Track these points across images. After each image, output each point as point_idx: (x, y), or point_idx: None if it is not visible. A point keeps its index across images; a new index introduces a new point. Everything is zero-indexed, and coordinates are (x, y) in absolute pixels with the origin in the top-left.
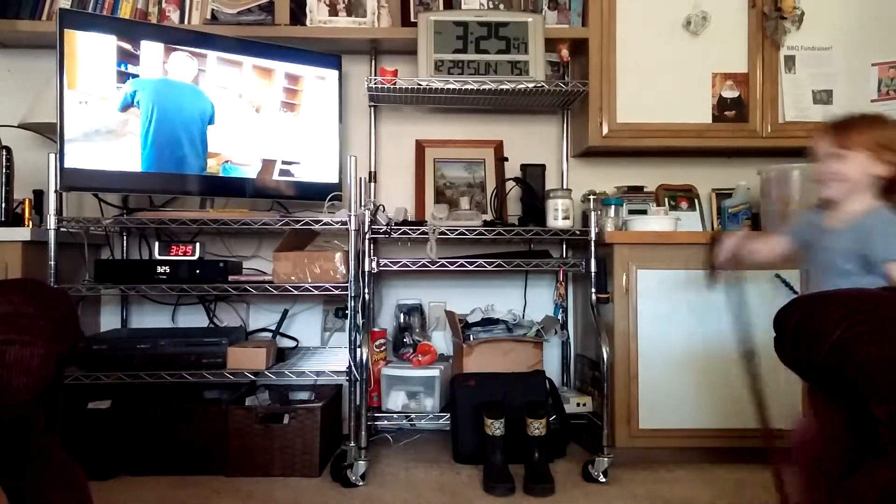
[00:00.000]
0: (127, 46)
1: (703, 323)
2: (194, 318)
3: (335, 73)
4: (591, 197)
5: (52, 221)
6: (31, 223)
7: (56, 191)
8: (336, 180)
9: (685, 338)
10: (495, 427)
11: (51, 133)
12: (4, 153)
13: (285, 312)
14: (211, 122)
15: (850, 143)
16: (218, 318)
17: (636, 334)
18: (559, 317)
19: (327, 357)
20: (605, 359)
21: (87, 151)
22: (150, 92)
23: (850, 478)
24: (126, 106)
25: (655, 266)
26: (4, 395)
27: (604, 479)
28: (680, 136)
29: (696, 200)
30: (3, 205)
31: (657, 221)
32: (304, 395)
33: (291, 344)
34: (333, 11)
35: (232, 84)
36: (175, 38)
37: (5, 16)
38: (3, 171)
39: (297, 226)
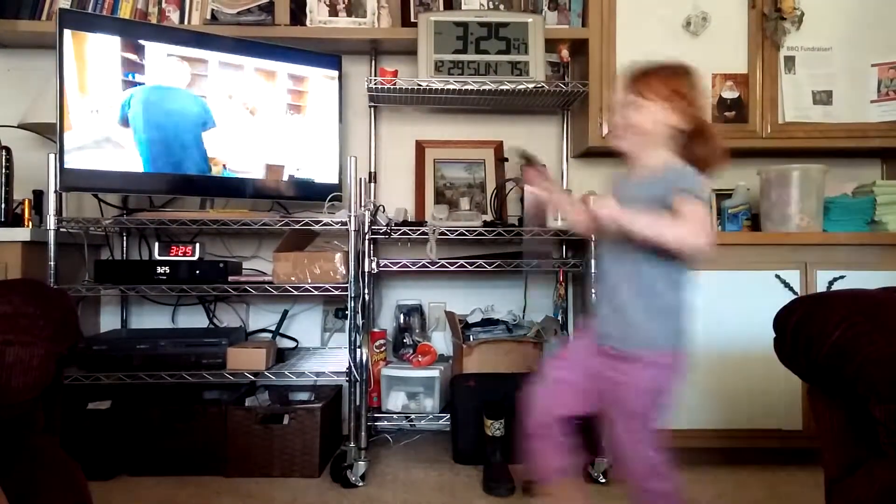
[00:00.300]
0: (127, 47)
1: (703, 324)
2: (194, 318)
3: (335, 73)
4: (591, 197)
5: (51, 222)
6: (30, 223)
7: (56, 191)
8: (336, 181)
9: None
10: (495, 427)
11: (50, 133)
12: (4, 153)
13: (285, 313)
14: (206, 126)
15: (645, 91)
16: (218, 319)
17: None
18: (559, 317)
19: (327, 358)
20: None
21: (86, 152)
22: (142, 101)
23: (850, 478)
24: (124, 118)
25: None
26: (4, 395)
27: (603, 480)
28: None
29: None
30: (3, 205)
31: None
32: (303, 396)
33: (291, 344)
34: (333, 12)
35: (232, 86)
36: (174, 38)
37: (5, 16)
38: (3, 171)
39: (297, 226)
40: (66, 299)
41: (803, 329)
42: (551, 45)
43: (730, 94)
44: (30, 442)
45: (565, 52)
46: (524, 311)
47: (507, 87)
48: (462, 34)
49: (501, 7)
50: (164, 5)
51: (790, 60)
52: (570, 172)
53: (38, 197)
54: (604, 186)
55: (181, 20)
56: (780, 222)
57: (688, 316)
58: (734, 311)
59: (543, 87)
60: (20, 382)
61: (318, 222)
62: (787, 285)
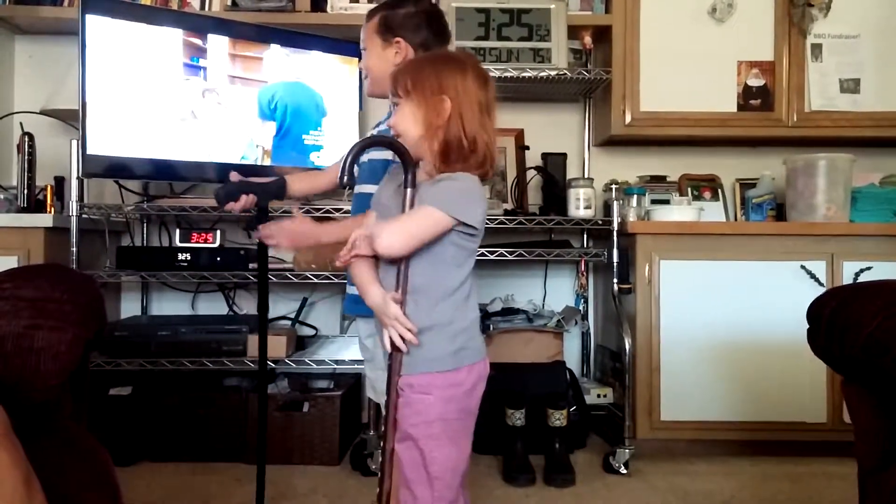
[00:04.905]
0: (150, 33)
1: (726, 315)
2: (213, 305)
3: (355, 60)
4: (614, 186)
5: (74, 208)
6: (52, 209)
7: (78, 177)
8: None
9: (708, 329)
10: (516, 417)
11: (73, 119)
12: (27, 140)
13: (305, 301)
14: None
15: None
16: (237, 306)
17: (658, 325)
18: (580, 307)
19: (347, 345)
20: (628, 350)
21: (109, 137)
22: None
23: (884, 472)
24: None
25: (679, 256)
26: (33, 380)
27: (625, 471)
28: (704, 125)
29: (719, 190)
30: (26, 191)
31: (680, 211)
32: (323, 384)
33: (311, 332)
34: None
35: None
36: (194, 24)
37: (26, 2)
38: (26, 157)
39: (318, 214)
40: (92, 284)
41: (838, 320)
42: (574, 31)
43: (755, 82)
44: (58, 427)
45: (588, 39)
46: (544, 301)
47: (530, 75)
48: (484, 20)
49: None
50: None
51: (817, 48)
52: (592, 161)
53: (60, 183)
54: (627, 174)
55: (201, 6)
56: (807, 212)
57: None
58: (758, 302)
59: (566, 74)
60: (49, 367)
61: (338, 210)
62: (813, 276)
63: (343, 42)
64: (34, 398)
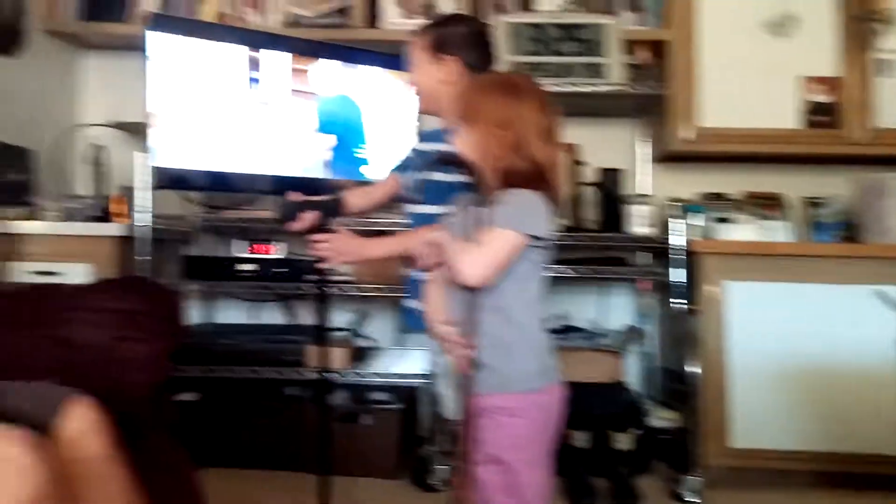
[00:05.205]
0: (210, 48)
1: (798, 339)
2: (271, 314)
3: (408, 75)
4: (675, 203)
5: (144, 219)
6: (123, 219)
7: (150, 188)
8: None
9: (779, 354)
10: (580, 439)
11: (137, 132)
12: (99, 152)
13: (363, 312)
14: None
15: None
16: (294, 315)
17: (727, 348)
18: (640, 327)
19: (403, 358)
20: (695, 373)
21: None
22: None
23: None
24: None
25: (746, 277)
26: (120, 391)
27: (696, 500)
28: (767, 141)
29: (784, 209)
30: (97, 201)
31: (745, 230)
32: (379, 396)
33: (367, 344)
34: (408, 14)
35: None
36: (256, 40)
37: (96, 19)
38: (98, 168)
39: (375, 228)
40: (175, 297)
41: None
42: (630, 46)
43: (821, 98)
44: (146, 438)
45: (645, 54)
46: (602, 319)
47: (586, 90)
48: (538, 36)
49: (578, 8)
50: (242, 9)
51: (884, 64)
52: (648, 177)
53: (126, 193)
54: (683, 191)
55: (261, 22)
56: (880, 234)
57: None
58: (831, 327)
59: (622, 89)
60: (135, 378)
61: (395, 225)
62: (887, 300)
63: (396, 57)
64: (122, 409)
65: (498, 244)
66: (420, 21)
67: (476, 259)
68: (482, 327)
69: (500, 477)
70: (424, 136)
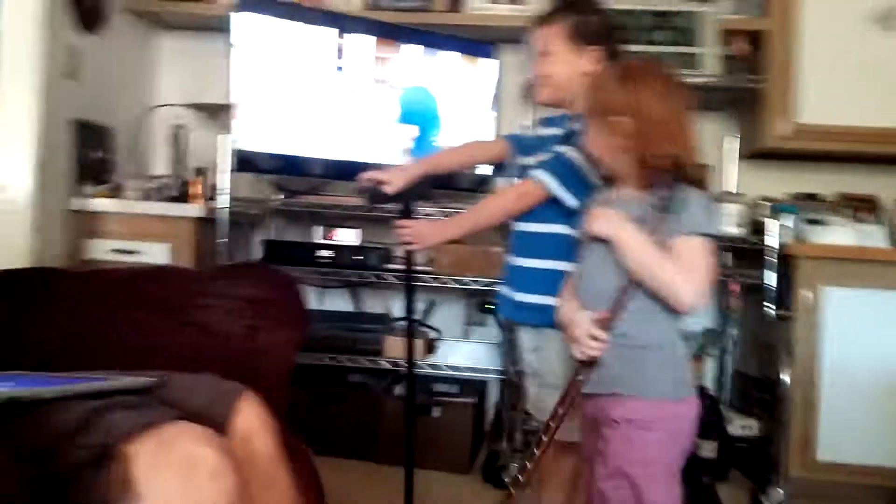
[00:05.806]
0: (292, 29)
1: (861, 350)
2: (337, 301)
3: (492, 62)
4: (767, 203)
5: (224, 200)
6: (197, 200)
7: (231, 171)
8: (489, 172)
9: (876, 366)
10: (706, 448)
11: (216, 113)
12: (178, 132)
13: (432, 303)
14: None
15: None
16: (363, 303)
17: (820, 357)
18: (722, 329)
19: (470, 351)
20: (784, 381)
21: (253, 132)
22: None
23: None
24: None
25: (844, 283)
26: (255, 381)
27: None
28: (869, 140)
29: (879, 212)
30: (175, 182)
31: (841, 234)
32: (446, 388)
33: (433, 335)
34: None
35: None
36: (340, 22)
37: None
38: (178, 148)
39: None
40: (298, 285)
41: None
42: (726, 36)
43: None
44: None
45: (742, 45)
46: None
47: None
48: (629, 24)
49: None
50: None
51: None
52: (740, 175)
53: (204, 174)
54: (773, 190)
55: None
56: None
57: None
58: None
59: (717, 81)
60: (270, 367)
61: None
62: None
63: (477, 42)
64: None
65: (698, 258)
66: (507, 6)
67: (696, 284)
68: (627, 326)
69: (623, 493)
70: (548, 122)
